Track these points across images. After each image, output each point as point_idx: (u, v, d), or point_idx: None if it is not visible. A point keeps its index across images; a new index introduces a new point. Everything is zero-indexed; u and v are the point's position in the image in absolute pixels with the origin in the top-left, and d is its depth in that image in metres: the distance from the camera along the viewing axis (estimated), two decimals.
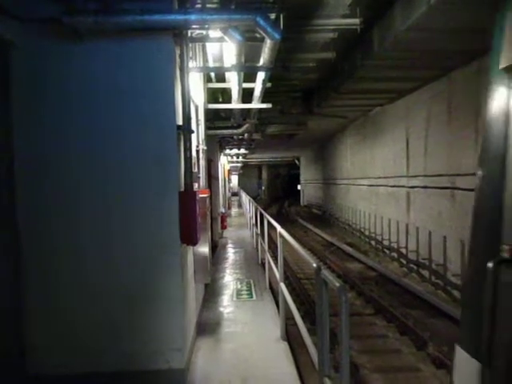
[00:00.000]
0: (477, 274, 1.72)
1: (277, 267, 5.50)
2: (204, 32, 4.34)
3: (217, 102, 9.45)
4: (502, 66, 1.96)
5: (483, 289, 1.53)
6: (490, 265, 1.49)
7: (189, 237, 4.01)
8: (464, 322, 1.97)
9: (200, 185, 5.80)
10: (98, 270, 3.85)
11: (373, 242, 15.60)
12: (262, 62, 5.01)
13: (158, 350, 3.86)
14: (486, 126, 2.06)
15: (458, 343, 1.90)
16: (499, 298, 1.49)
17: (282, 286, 4.91)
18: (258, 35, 4.06)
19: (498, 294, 1.49)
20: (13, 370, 3.70)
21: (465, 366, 1.72)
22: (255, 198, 20.39)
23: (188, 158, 4.09)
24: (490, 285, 1.49)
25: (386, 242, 14.00)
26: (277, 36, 3.98)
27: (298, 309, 4.24)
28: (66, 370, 3.78)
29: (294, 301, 4.66)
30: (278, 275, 5.28)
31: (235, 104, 7.82)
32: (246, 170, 40.50)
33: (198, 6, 3.93)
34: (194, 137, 4.73)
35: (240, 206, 29.76)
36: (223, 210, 15.73)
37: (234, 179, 43.33)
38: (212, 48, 5.73)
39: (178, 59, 3.97)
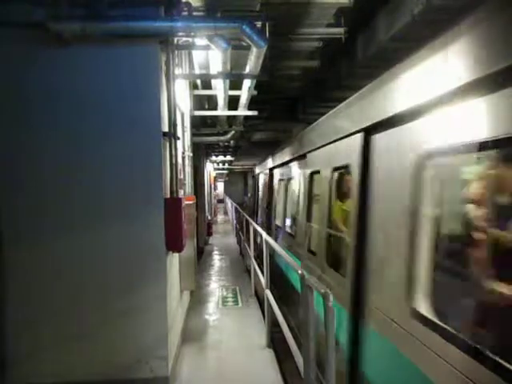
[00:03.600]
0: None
1: (262, 274, 5.50)
2: (190, 39, 4.36)
3: (203, 108, 9.45)
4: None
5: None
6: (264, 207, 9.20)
7: (174, 244, 3.99)
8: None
9: (186, 191, 5.78)
10: (81, 278, 3.80)
11: None
12: (247, 69, 5.03)
13: (142, 359, 3.82)
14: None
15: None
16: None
17: (268, 292, 4.91)
18: (244, 43, 4.08)
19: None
20: None
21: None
22: (241, 204, 20.33)
23: (174, 165, 4.08)
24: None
25: None
26: (262, 44, 4.01)
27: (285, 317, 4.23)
28: (49, 381, 3.72)
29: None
30: (263, 282, 5.28)
31: (221, 111, 7.83)
32: (231, 177, 40.38)
33: (185, 13, 3.93)
34: (179, 143, 4.73)
35: (226, 212, 29.67)
36: (209, 217, 15.68)
37: (220, 186, 43.18)
38: (198, 55, 5.74)
39: (164, 66, 3.97)
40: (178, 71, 4.58)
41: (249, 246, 8.08)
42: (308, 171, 5.04)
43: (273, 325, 4.91)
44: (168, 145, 4.06)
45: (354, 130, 3.26)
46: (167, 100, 4.01)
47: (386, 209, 2.76)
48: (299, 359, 3.07)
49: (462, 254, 2.07)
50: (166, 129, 4.00)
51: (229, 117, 8.98)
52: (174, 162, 4.08)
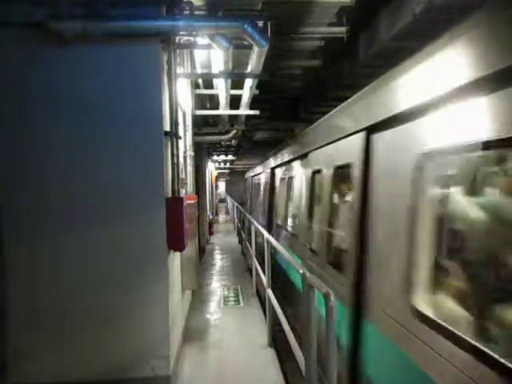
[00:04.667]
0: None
1: (264, 273, 5.49)
2: (192, 38, 4.35)
3: (204, 108, 9.44)
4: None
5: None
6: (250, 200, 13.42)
7: (176, 243, 3.99)
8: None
9: (187, 191, 5.78)
10: (82, 278, 3.80)
11: None
12: (249, 68, 5.02)
13: (143, 358, 3.82)
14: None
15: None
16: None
17: (269, 292, 4.90)
18: (245, 42, 4.07)
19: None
20: None
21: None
22: (242, 204, 20.31)
23: (175, 164, 4.08)
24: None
25: None
26: (264, 43, 4.00)
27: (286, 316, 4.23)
28: (49, 380, 3.73)
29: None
30: (264, 281, 5.27)
31: (223, 110, 7.82)
32: (233, 177, 40.33)
33: (186, 12, 3.92)
34: (181, 143, 4.73)
35: (227, 212, 29.67)
36: (211, 216, 15.69)
37: (222, 186, 43.18)
38: (200, 54, 5.74)
39: (165, 65, 3.97)
40: (179, 70, 4.58)
41: (250, 245, 8.08)
42: (263, 181, 9.37)
43: (274, 324, 4.91)
44: (170, 144, 4.06)
45: (272, 166, 6.41)
46: (169, 99, 4.01)
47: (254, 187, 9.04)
48: (300, 358, 3.06)
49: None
50: (167, 128, 4.00)
51: (230, 116, 8.96)
52: (175, 161, 4.08)
